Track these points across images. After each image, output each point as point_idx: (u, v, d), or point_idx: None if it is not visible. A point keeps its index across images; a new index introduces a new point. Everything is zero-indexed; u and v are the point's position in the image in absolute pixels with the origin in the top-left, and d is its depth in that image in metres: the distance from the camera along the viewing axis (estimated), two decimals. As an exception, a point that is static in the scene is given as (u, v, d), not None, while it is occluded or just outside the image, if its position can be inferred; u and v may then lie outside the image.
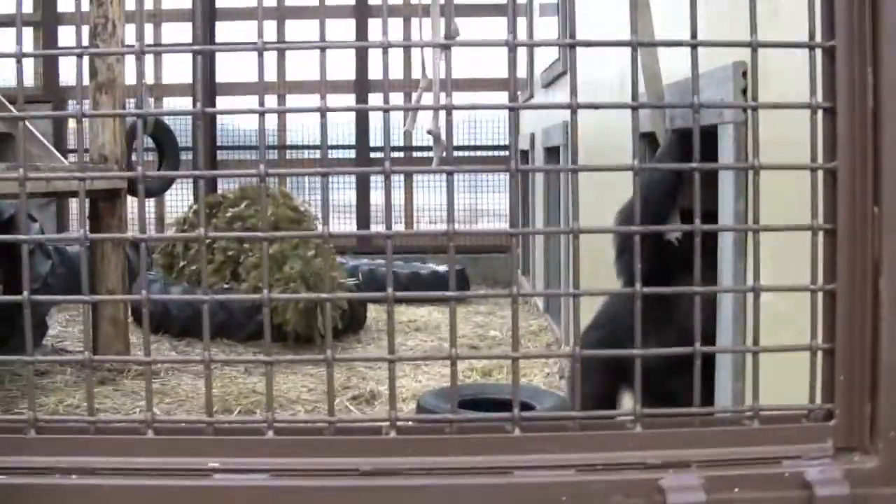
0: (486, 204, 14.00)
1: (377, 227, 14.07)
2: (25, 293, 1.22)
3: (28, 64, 13.74)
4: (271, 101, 13.73)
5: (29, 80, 13.90)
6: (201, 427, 1.23)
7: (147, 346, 1.27)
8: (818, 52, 1.25)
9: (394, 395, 1.25)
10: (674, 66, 3.86)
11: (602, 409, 3.61)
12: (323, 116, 1.19)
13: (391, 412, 1.22)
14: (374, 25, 13.43)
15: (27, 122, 7.60)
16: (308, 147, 14.29)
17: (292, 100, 13.55)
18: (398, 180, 13.97)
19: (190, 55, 13.62)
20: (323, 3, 14.46)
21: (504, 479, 1.20)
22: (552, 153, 9.02)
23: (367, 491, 1.19)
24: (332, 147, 13.89)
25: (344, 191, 14.04)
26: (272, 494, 1.19)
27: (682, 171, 3.44)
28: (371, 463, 1.20)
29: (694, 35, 1.24)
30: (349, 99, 13.61)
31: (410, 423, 1.26)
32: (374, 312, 9.59)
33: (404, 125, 7.51)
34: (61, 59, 13.71)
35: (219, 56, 13.93)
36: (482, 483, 1.20)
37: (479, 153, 13.82)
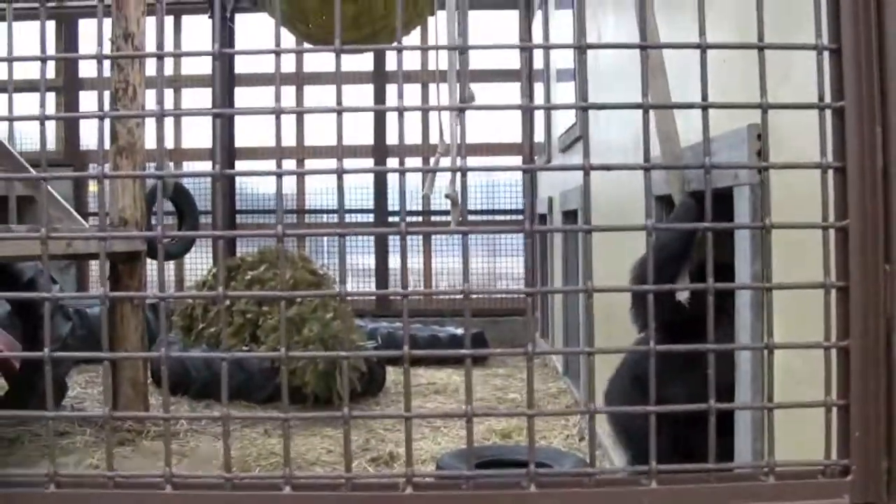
0: (504, 268, 14.00)
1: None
2: (46, 350, 1.24)
3: (50, 129, 13.87)
4: (290, 165, 13.82)
5: (51, 144, 14.03)
6: (220, 483, 1.24)
7: (166, 403, 1.28)
8: (828, 112, 1.27)
9: (410, 451, 1.26)
10: (690, 129, 3.88)
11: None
12: (340, 178, 1.22)
13: (408, 468, 1.23)
14: (391, 91, 13.51)
15: (49, 186, 7.69)
16: (326, 211, 14.35)
17: (311, 164, 13.64)
18: (416, 244, 13.99)
19: (209, 121, 13.76)
20: (339, 69, 14.53)
21: (520, 534, 1.21)
22: (570, 217, 9.04)
23: (384, 546, 1.20)
24: (351, 211, 13.95)
25: (362, 255, 14.09)
26: (290, 550, 1.20)
27: (695, 235, 3.46)
28: (388, 519, 1.21)
29: (705, 98, 1.26)
30: (367, 163, 13.67)
31: (427, 479, 1.27)
32: (393, 375, 9.58)
33: (423, 190, 7.55)
34: (82, 124, 13.85)
35: (238, 122, 14.06)
36: (498, 539, 1.20)
37: (496, 217, 13.85)
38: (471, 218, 13.31)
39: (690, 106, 1.28)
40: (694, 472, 1.28)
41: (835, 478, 1.26)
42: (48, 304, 1.26)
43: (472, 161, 1.16)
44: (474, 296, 1.21)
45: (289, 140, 13.88)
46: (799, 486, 1.25)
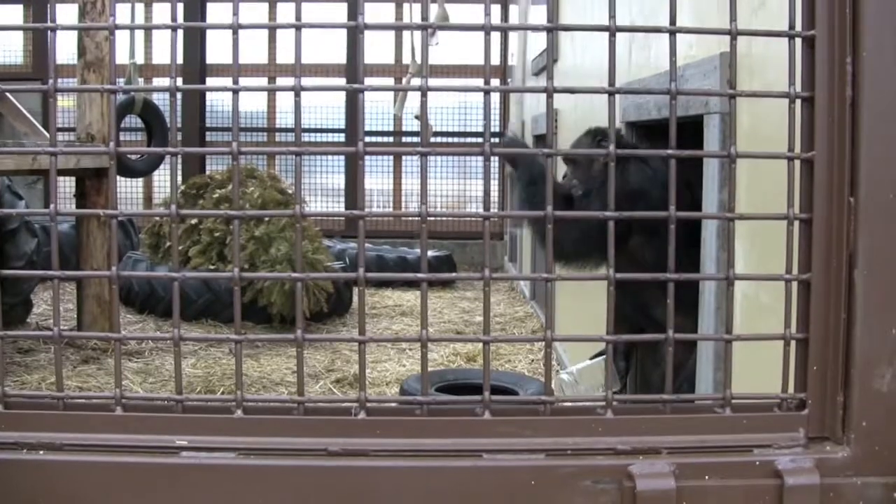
0: (475, 190, 13.99)
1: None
2: (-5, 267, 1.21)
3: (18, 42, 13.70)
4: (260, 82, 13.71)
5: (19, 57, 13.87)
6: (170, 405, 1.22)
7: (117, 323, 1.26)
8: (798, 41, 1.24)
9: (363, 376, 1.24)
10: (661, 56, 3.85)
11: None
12: (297, 95, 1.18)
13: (361, 393, 1.21)
14: (366, 9, 13.40)
15: (15, 101, 7.58)
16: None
17: (281, 83, 13.50)
18: (387, 165, 13.94)
19: (180, 37, 13.59)
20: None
21: (473, 461, 1.20)
22: (540, 141, 9.02)
23: (335, 471, 1.19)
24: (323, 130, 13.88)
25: (334, 175, 14.04)
26: (239, 473, 1.18)
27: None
28: (339, 444, 1.20)
29: (673, 22, 1.24)
30: (339, 83, 13.55)
31: (381, 404, 1.25)
32: (362, 296, 9.58)
33: (393, 110, 7.50)
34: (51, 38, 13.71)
35: (210, 38, 13.90)
36: (450, 465, 1.19)
37: (468, 139, 13.81)
38: (442, 140, 13.27)
39: (657, 30, 1.25)
40: (650, 402, 1.27)
41: (791, 411, 1.25)
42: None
43: (446, 82, 1.14)
44: (441, 219, 1.19)
45: (261, 58, 13.78)
46: (755, 418, 1.25)
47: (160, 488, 1.18)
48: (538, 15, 10.05)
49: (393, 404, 1.31)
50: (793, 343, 1.26)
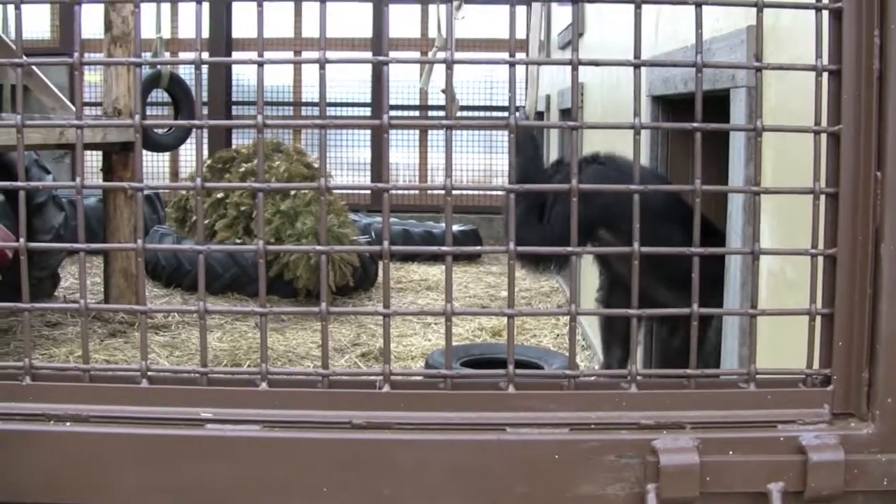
0: (502, 165, 13.95)
1: (391, 186, 14.05)
2: (22, 240, 1.22)
3: (45, 16, 13.75)
4: (286, 57, 13.72)
5: (46, 32, 13.92)
6: (195, 377, 1.23)
7: (142, 295, 1.26)
8: (825, 13, 1.23)
9: (388, 349, 1.25)
10: (688, 31, 3.83)
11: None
12: (322, 67, 1.18)
13: (385, 366, 1.22)
14: (392, -17, 13.40)
15: (42, 75, 7.61)
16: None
17: (307, 57, 13.50)
18: (413, 140, 13.93)
19: (205, 11, 13.59)
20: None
21: (496, 435, 1.20)
22: (567, 115, 8.98)
23: (359, 444, 1.19)
24: (348, 104, 13.88)
25: (359, 149, 14.04)
26: (264, 446, 1.19)
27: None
28: (364, 416, 1.20)
29: (699, -6, 1.23)
30: (365, 56, 13.54)
31: (405, 377, 1.26)
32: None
33: (420, 84, 7.49)
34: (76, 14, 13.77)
35: (236, 13, 13.91)
36: (474, 439, 1.20)
37: (494, 113, 13.78)
38: (468, 114, 13.25)
39: (684, 2, 1.24)
40: (674, 377, 1.27)
41: (816, 387, 1.25)
42: (23, 192, 1.23)
43: (471, 56, 1.13)
44: (467, 192, 1.19)
45: (287, 32, 13.79)
46: (779, 394, 1.24)
47: (185, 460, 1.19)
48: (565, -11, 10.00)
49: (417, 378, 1.31)
50: (818, 318, 1.25)
